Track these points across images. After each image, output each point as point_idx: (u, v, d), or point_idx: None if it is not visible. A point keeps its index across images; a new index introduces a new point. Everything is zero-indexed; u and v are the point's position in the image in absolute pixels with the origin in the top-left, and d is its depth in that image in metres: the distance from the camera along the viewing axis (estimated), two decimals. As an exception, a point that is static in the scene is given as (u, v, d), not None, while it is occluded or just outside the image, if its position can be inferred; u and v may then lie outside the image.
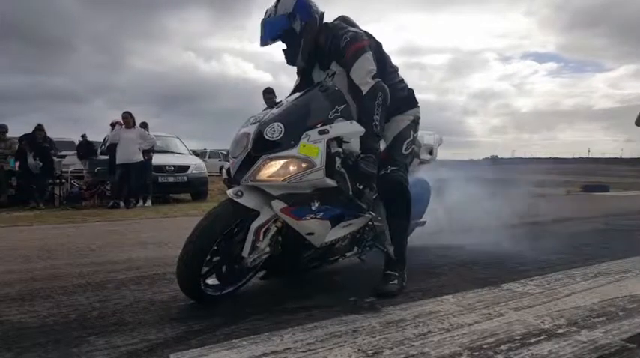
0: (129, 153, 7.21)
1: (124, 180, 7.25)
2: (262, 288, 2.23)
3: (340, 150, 2.01)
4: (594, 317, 1.80)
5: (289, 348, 1.51)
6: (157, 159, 7.89)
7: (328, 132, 1.94)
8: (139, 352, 1.50)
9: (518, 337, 1.61)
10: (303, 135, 1.91)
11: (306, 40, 2.19)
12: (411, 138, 2.31)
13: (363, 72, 2.10)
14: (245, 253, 1.93)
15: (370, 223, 2.29)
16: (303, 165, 1.88)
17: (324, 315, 1.83)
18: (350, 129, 2.03)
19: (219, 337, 1.62)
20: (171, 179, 8.19)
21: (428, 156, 2.88)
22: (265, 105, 5.92)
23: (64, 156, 8.97)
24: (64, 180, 8.09)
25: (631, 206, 7.00)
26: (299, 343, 1.56)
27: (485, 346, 1.53)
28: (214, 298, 1.99)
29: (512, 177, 7.10)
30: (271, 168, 1.89)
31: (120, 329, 1.71)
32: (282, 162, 1.89)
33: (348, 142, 2.05)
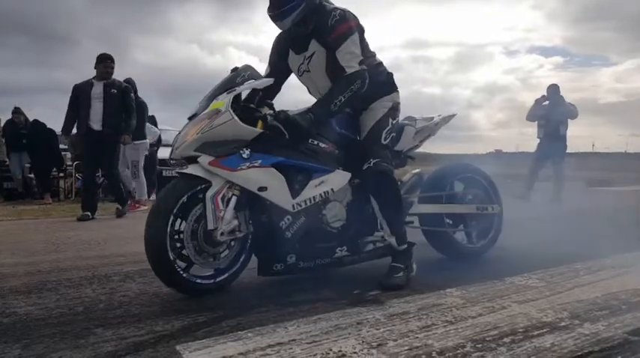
0: (133, 147, 7.22)
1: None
2: (266, 281, 2.23)
3: (272, 112, 2.06)
4: (597, 311, 1.81)
5: (294, 340, 1.53)
6: (162, 152, 7.89)
7: (235, 90, 2.01)
8: (146, 343, 1.52)
9: (521, 330, 1.62)
10: (214, 100, 2.02)
11: (305, 7, 2.06)
12: (390, 126, 2.25)
13: (350, 55, 2.07)
14: (210, 225, 1.92)
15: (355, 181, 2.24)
16: (213, 116, 1.96)
17: (329, 308, 1.84)
18: (258, 82, 2.08)
19: (224, 329, 1.64)
20: (175, 173, 8.17)
21: (423, 123, 2.67)
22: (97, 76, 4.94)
23: (67, 150, 8.98)
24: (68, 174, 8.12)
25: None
26: (304, 335, 1.57)
27: (488, 338, 1.54)
28: (208, 288, 2.01)
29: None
30: (188, 135, 1.98)
31: (126, 321, 1.73)
32: (195, 123, 2.00)
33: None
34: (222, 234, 1.94)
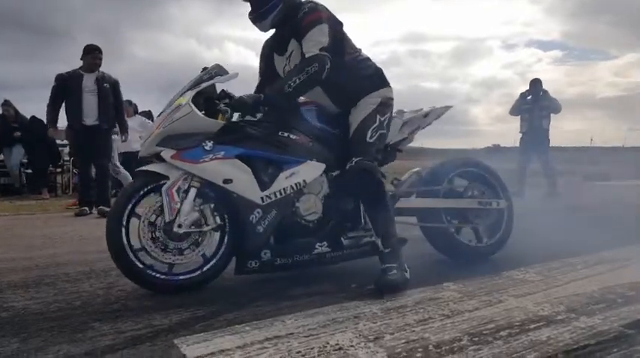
0: (130, 141, 7.19)
1: (126, 168, 7.26)
2: (263, 276, 2.24)
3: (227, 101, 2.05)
4: (593, 304, 1.82)
5: (292, 333, 1.53)
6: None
7: (200, 85, 2.02)
8: (143, 337, 1.53)
9: (518, 323, 1.62)
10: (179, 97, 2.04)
11: (282, 8, 2.09)
12: (377, 123, 2.14)
13: (313, 42, 2.00)
14: (166, 217, 1.92)
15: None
16: (174, 111, 1.98)
17: (326, 301, 1.85)
18: (223, 78, 2.06)
19: (222, 323, 1.64)
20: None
21: (411, 115, 2.55)
22: None
23: (65, 146, 8.95)
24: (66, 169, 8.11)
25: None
26: (301, 328, 1.58)
27: (485, 332, 1.55)
28: (197, 281, 2.00)
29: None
30: (154, 129, 2.01)
31: (124, 315, 1.73)
32: (158, 120, 2.04)
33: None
34: (179, 226, 1.92)
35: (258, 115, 2.11)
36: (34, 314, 1.77)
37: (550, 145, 6.70)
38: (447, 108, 2.69)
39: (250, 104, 2.01)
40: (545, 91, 6.58)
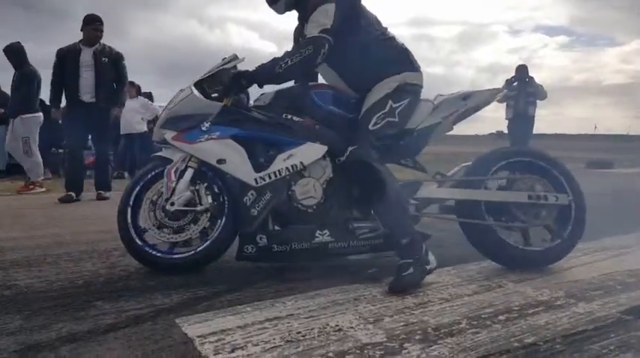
0: (132, 123, 7.18)
1: (128, 150, 7.26)
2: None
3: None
4: (592, 291, 1.83)
5: (292, 315, 1.55)
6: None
7: (208, 73, 2.07)
8: (145, 316, 1.54)
9: (517, 308, 1.64)
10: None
11: None
12: (386, 110, 1.97)
13: (313, 24, 1.89)
14: (165, 195, 1.98)
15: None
16: (177, 95, 2.07)
17: (326, 284, 1.86)
18: (231, 63, 2.06)
19: (223, 303, 1.66)
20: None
21: (444, 98, 2.21)
22: None
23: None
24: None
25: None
26: (301, 310, 1.59)
27: (483, 316, 1.56)
28: (192, 259, 2.02)
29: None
30: (161, 114, 2.14)
31: (126, 295, 1.75)
32: (166, 104, 2.14)
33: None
34: (172, 204, 1.97)
35: (268, 100, 2.11)
36: (37, 292, 1.79)
37: (534, 132, 6.79)
38: (496, 92, 2.32)
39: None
40: (531, 78, 6.58)
